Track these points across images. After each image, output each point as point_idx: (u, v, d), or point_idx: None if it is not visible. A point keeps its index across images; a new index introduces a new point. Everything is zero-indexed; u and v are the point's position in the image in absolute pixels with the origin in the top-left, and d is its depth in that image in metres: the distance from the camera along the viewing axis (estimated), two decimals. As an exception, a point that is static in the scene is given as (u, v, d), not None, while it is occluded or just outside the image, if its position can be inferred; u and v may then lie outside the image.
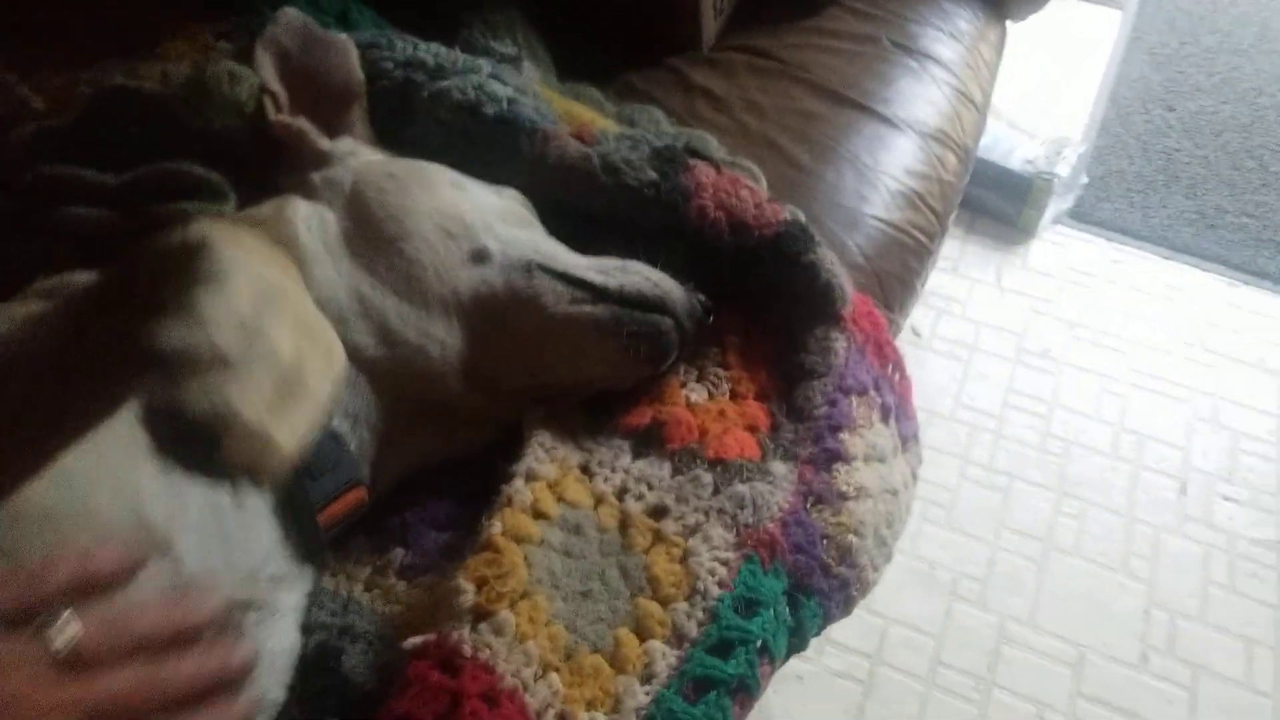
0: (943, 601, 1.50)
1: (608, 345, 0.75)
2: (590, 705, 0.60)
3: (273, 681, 0.58)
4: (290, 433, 0.37)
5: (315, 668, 0.60)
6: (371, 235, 0.72)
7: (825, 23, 1.25)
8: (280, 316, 0.38)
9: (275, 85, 0.76)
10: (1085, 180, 2.26)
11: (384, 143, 0.83)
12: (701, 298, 0.81)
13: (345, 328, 0.68)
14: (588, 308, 0.74)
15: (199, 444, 0.36)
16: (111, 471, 0.48)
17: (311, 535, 0.63)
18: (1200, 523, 1.65)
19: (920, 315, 1.95)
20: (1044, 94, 2.50)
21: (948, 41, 1.29)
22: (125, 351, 0.41)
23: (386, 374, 0.69)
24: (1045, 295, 2.05)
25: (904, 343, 1.83)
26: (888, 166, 1.09)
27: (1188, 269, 2.14)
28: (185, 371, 0.35)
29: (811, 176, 1.04)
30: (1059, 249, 2.16)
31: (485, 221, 0.75)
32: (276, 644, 0.59)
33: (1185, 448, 1.77)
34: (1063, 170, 2.14)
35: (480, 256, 0.73)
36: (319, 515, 0.63)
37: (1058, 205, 2.20)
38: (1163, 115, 2.54)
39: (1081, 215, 2.26)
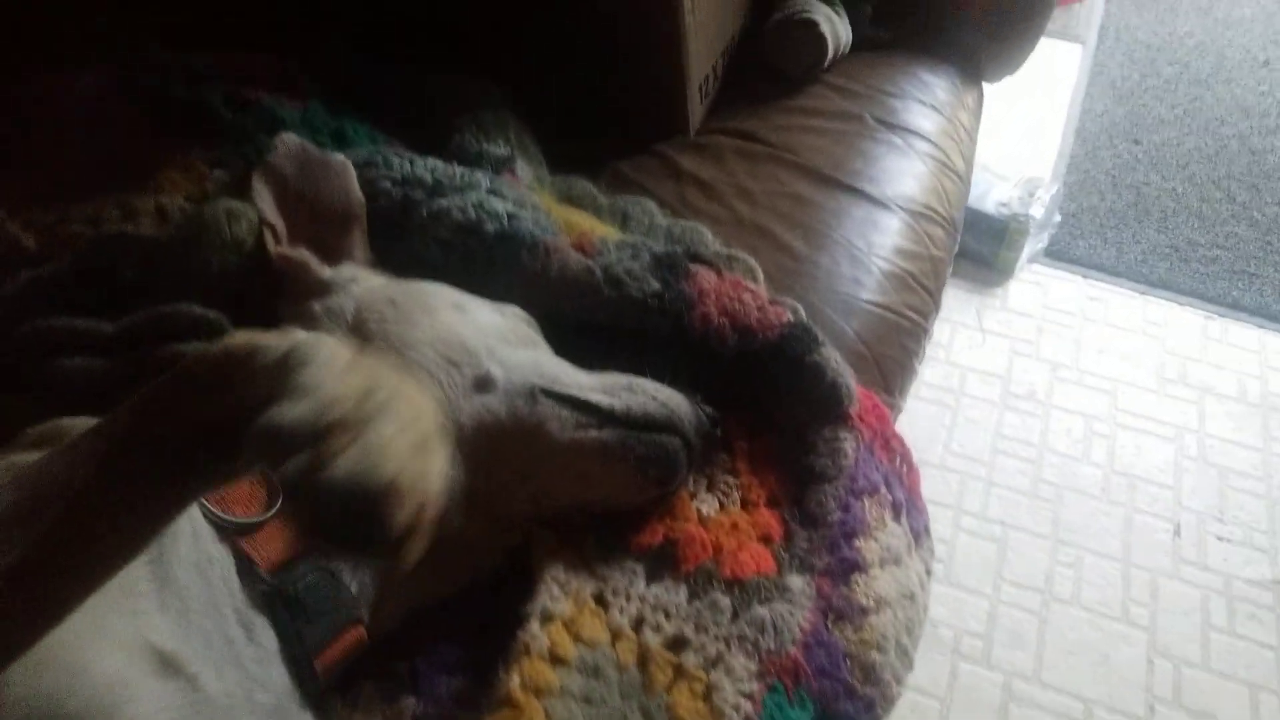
0: (947, 661, 1.50)
1: (615, 470, 0.73)
2: None
3: None
4: (437, 481, 0.37)
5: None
6: None
7: (808, 101, 1.26)
8: (380, 381, 0.37)
9: (274, 217, 0.75)
10: (1058, 219, 2.29)
11: (382, 261, 0.82)
12: (709, 410, 0.80)
13: None
14: (594, 432, 0.72)
15: (350, 524, 0.34)
16: (108, 616, 0.47)
17: (308, 679, 0.61)
18: (1196, 565, 1.66)
19: (906, 364, 1.96)
20: (1013, 133, 2.54)
21: (928, 113, 1.30)
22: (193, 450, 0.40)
23: None
24: (1026, 336, 2.06)
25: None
26: (879, 249, 1.09)
27: (1164, 304, 2.17)
28: (321, 445, 0.34)
29: (806, 264, 1.04)
30: (1037, 288, 2.19)
31: (488, 345, 0.74)
32: None
33: (1175, 487, 1.79)
34: (1036, 211, 2.17)
35: (483, 384, 0.72)
36: (316, 659, 0.61)
37: (1033, 245, 2.22)
38: (1129, 149, 2.58)
39: (1057, 254, 2.29)
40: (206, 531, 0.57)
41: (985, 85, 1.53)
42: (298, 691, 0.59)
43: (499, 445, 0.71)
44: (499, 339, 0.75)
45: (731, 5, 1.25)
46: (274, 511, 0.61)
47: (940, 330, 2.05)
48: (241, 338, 0.41)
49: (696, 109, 1.20)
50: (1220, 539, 1.71)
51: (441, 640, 0.68)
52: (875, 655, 0.75)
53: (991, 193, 2.20)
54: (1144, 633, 1.56)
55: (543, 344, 0.80)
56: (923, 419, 1.88)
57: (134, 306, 0.68)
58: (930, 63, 1.40)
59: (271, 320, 0.72)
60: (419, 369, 0.70)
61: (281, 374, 0.38)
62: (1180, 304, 2.16)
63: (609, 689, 0.65)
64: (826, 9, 1.30)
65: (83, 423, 0.60)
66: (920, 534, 0.90)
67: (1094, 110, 2.68)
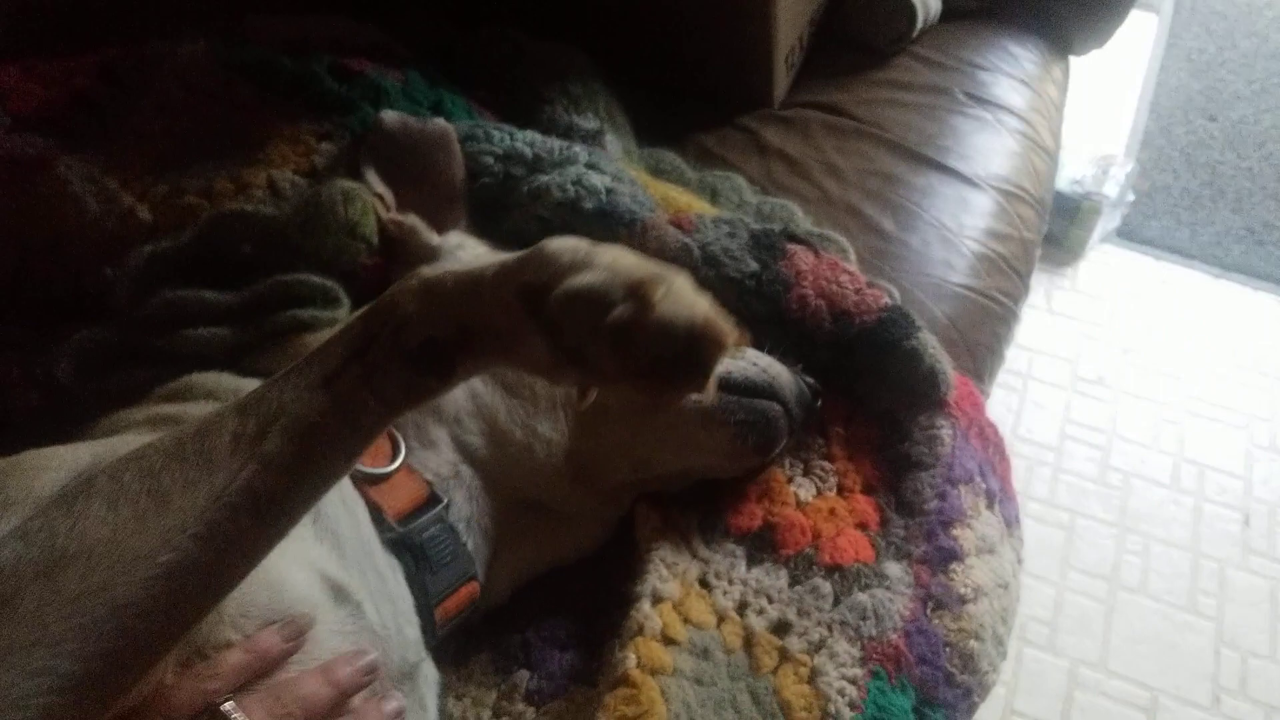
0: (1013, 647, 1.47)
1: (716, 435, 0.73)
2: None
3: None
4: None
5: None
6: None
7: (895, 74, 1.23)
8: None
9: (381, 188, 0.75)
10: (1132, 197, 2.23)
11: (484, 236, 0.82)
12: (810, 381, 0.79)
13: (458, 428, 0.68)
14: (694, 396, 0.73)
15: (676, 359, 0.39)
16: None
17: (429, 628, 0.62)
18: (1265, 556, 1.63)
19: (972, 344, 1.93)
20: (1085, 106, 2.46)
21: (1017, 87, 1.27)
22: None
23: (495, 475, 0.69)
24: (1096, 319, 2.02)
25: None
26: (970, 230, 1.07)
27: (1238, 287, 2.12)
28: (628, 297, 0.40)
29: (897, 244, 1.02)
30: (1107, 269, 2.14)
31: None
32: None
33: (1246, 477, 1.75)
34: (1110, 189, 2.12)
35: None
36: (436, 608, 0.63)
37: (1105, 224, 2.17)
38: (1205, 126, 2.50)
39: (1128, 234, 2.23)
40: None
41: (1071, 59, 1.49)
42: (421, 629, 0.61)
43: (600, 408, 0.71)
44: None
45: (819, -25, 1.22)
46: (400, 463, 0.62)
47: (1007, 310, 2.02)
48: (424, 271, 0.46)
49: (782, 80, 1.18)
50: (1292, 530, 1.67)
51: (550, 615, 0.69)
52: (973, 644, 0.74)
53: (1064, 169, 2.14)
54: (1211, 623, 1.54)
55: None
56: (992, 402, 1.84)
57: (251, 279, 0.68)
58: (1018, 34, 1.36)
59: (382, 289, 0.72)
60: None
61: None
62: (1255, 288, 2.11)
63: (718, 670, 0.65)
64: (915, -21, 1.27)
65: (213, 378, 0.61)
66: (1012, 523, 0.89)
67: (1168, 84, 2.60)
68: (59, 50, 0.82)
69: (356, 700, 0.50)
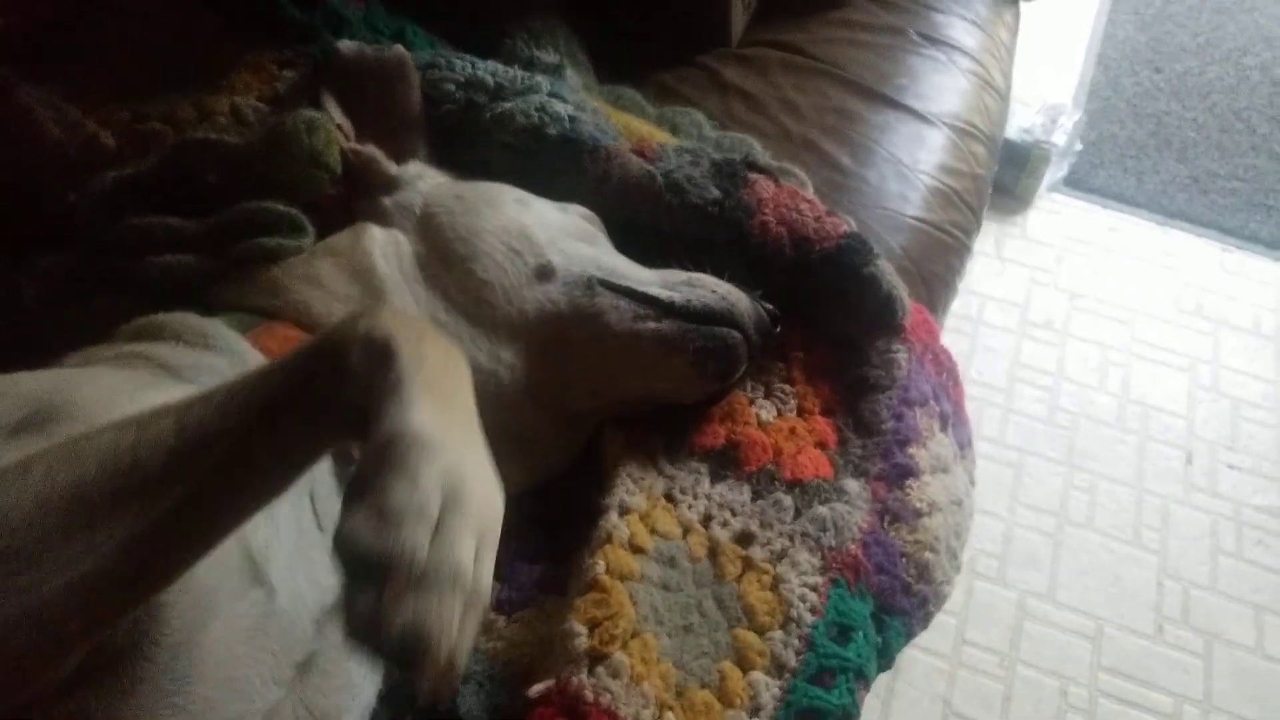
0: (963, 579, 1.53)
1: (674, 361, 0.75)
2: (707, 742, 0.61)
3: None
4: (469, 639, 0.38)
5: (431, 710, 0.61)
6: (443, 257, 0.72)
7: (851, 14, 1.25)
8: (465, 494, 0.39)
9: (340, 118, 0.75)
10: (1079, 147, 2.27)
11: (445, 165, 0.82)
12: (769, 307, 0.81)
13: None
14: (652, 324, 0.74)
15: (395, 656, 0.36)
16: None
17: None
18: (1206, 492, 1.69)
19: (926, 291, 1.97)
20: (1034, 58, 2.49)
21: (970, 29, 1.29)
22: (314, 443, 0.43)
23: None
24: (1044, 265, 2.07)
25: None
26: (925, 165, 1.09)
27: (1182, 235, 2.17)
28: (391, 586, 0.35)
29: (854, 179, 1.04)
30: (1056, 217, 2.18)
31: (549, 237, 0.75)
32: (320, 700, 0.57)
33: (1188, 417, 1.81)
34: (1059, 138, 2.15)
35: (544, 273, 0.73)
36: None
37: (1054, 173, 2.21)
38: (1151, 77, 2.55)
39: (1076, 182, 2.27)
40: None
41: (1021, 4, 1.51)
42: None
43: (560, 334, 0.73)
44: (560, 232, 0.76)
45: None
46: None
47: (959, 257, 2.06)
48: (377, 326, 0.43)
49: (739, 19, 1.19)
50: (1231, 467, 1.74)
51: (517, 532, 0.70)
52: (929, 555, 0.77)
53: (1014, 118, 2.17)
54: (1155, 556, 1.60)
55: (604, 241, 0.80)
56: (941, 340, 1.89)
57: (216, 207, 0.68)
58: (969, -23, 1.38)
59: (344, 218, 0.72)
60: (485, 257, 0.71)
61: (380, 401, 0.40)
62: (1198, 235, 2.16)
63: (684, 577, 0.68)
64: (869, -79, 1.28)
65: (179, 318, 0.61)
66: (965, 445, 0.92)
67: (1116, 37, 2.64)
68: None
69: None
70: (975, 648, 1.46)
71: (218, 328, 0.60)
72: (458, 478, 0.39)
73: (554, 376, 0.73)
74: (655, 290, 0.75)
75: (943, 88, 1.18)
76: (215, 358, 0.58)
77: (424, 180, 0.77)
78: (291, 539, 0.56)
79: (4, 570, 0.37)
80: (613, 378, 0.75)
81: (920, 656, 1.43)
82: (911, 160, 1.08)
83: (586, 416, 0.77)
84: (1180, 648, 1.49)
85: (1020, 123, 2.18)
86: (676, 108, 1.05)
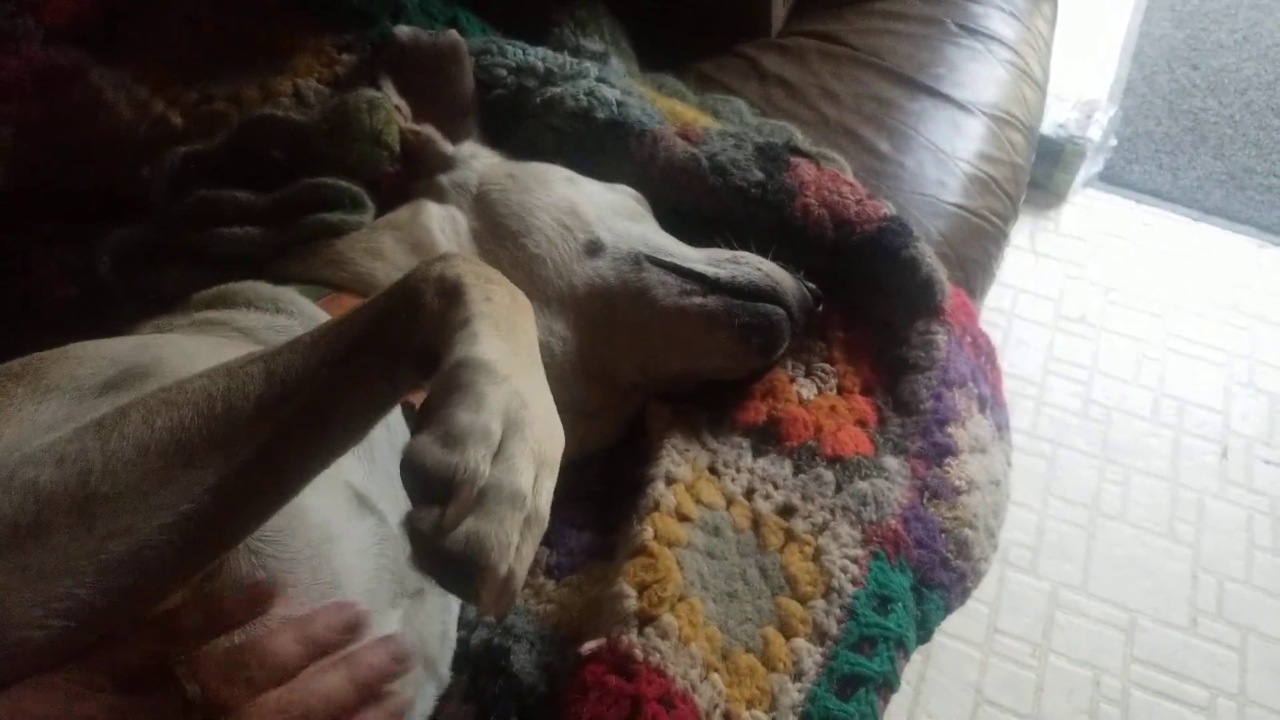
0: (996, 569, 1.54)
1: (720, 336, 0.76)
2: (750, 704, 0.63)
3: (435, 660, 0.61)
4: (526, 563, 0.40)
5: (485, 666, 0.63)
6: (497, 232, 0.75)
7: (890, 5, 1.26)
8: (526, 421, 0.41)
9: (398, 99, 0.77)
10: (1114, 142, 2.27)
11: (496, 147, 0.84)
12: (812, 286, 0.83)
13: None
14: (698, 299, 0.76)
15: (453, 578, 0.38)
16: None
17: None
18: (1241, 487, 1.69)
19: (959, 284, 1.97)
20: (1070, 54, 2.49)
21: (1008, 20, 1.30)
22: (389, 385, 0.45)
23: None
24: (1079, 259, 2.06)
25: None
26: (963, 152, 1.10)
27: (1218, 230, 2.16)
28: (447, 508, 0.37)
29: (892, 165, 1.06)
30: (1090, 212, 2.18)
31: (598, 214, 0.77)
32: (429, 628, 0.61)
33: (1224, 411, 1.81)
34: (1094, 134, 2.15)
35: (594, 248, 0.76)
36: None
37: (1088, 168, 2.21)
38: (1187, 74, 2.53)
39: (1111, 177, 2.27)
40: None
41: (1060, -2, 1.51)
42: None
43: (609, 308, 0.75)
44: (609, 210, 0.79)
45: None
46: None
47: (993, 251, 2.06)
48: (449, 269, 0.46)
49: (779, 9, 1.20)
50: (1267, 462, 1.73)
51: (566, 501, 0.72)
52: (968, 532, 0.78)
53: (1049, 114, 2.17)
54: (1189, 549, 1.60)
55: (650, 219, 0.82)
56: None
57: (281, 182, 0.71)
58: (1008, -31, 1.39)
59: (401, 196, 0.75)
60: (537, 232, 0.74)
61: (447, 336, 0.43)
62: (1234, 231, 2.15)
63: (728, 546, 0.69)
64: (909, -87, 1.29)
65: (250, 285, 0.64)
66: (1002, 428, 0.93)
67: (1152, 34, 2.63)
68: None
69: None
70: (1007, 636, 1.47)
71: (290, 294, 0.63)
72: (520, 404, 0.41)
73: (603, 350, 0.75)
74: (701, 267, 0.77)
75: (981, 77, 1.19)
76: (286, 320, 0.61)
77: (478, 159, 0.79)
78: (389, 465, 0.58)
79: (107, 512, 0.39)
80: (659, 352, 0.77)
81: (951, 644, 1.44)
82: (950, 147, 1.09)
83: (634, 391, 0.79)
84: (1215, 640, 1.48)
85: (1055, 117, 2.18)
86: (717, 95, 1.06)
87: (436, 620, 0.61)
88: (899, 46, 1.19)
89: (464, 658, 0.64)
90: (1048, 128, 2.16)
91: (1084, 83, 2.39)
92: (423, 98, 0.80)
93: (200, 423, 0.41)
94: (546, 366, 0.72)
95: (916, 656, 1.39)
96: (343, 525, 0.52)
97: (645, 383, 0.79)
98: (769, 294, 0.78)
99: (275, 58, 0.79)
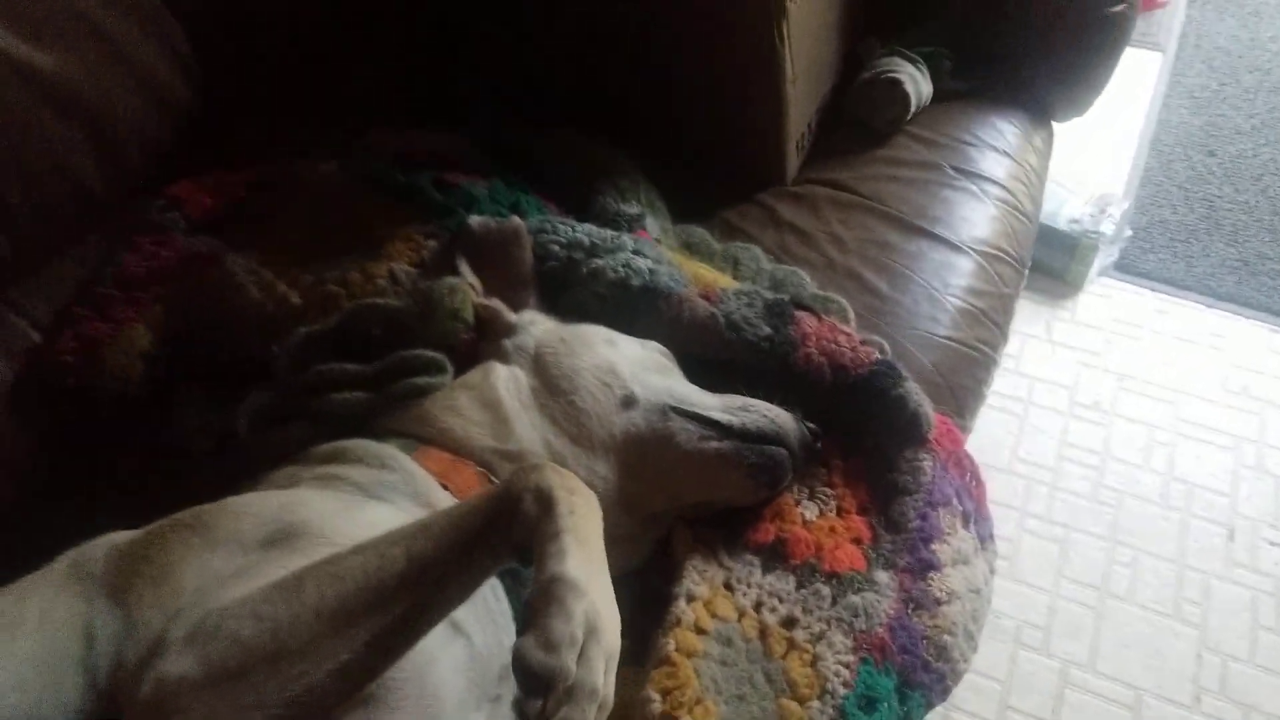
0: (1007, 649, 1.66)
1: (732, 474, 0.92)
2: (756, 793, 0.77)
3: None
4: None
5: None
6: (551, 390, 0.91)
7: (893, 151, 1.43)
8: (603, 630, 0.58)
9: (472, 278, 0.96)
10: (1129, 233, 2.39)
11: (552, 308, 1.02)
12: (811, 426, 0.98)
13: None
14: (714, 444, 0.91)
15: None
16: None
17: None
18: (1247, 568, 1.79)
19: (977, 374, 2.10)
20: (1088, 143, 2.61)
21: (1000, 159, 1.46)
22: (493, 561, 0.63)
23: None
24: (1094, 348, 2.18)
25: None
26: (954, 288, 1.26)
27: (1230, 317, 2.26)
28: (545, 692, 0.54)
29: (890, 304, 1.22)
30: (1105, 301, 2.30)
31: (632, 371, 0.94)
32: None
33: (1231, 494, 1.91)
34: (1107, 227, 2.27)
35: (629, 402, 0.92)
36: None
37: (1103, 259, 2.33)
38: (1204, 161, 2.64)
39: (1126, 267, 2.39)
40: None
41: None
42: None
43: (642, 452, 0.91)
44: (641, 366, 0.95)
45: (824, 69, 1.42)
46: None
47: (1011, 343, 2.18)
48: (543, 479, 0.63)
49: (793, 161, 1.38)
50: (1273, 544, 1.83)
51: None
52: (947, 638, 0.93)
53: (1064, 209, 2.31)
54: (1195, 629, 1.70)
55: (676, 371, 0.99)
56: (993, 426, 2.02)
57: (379, 354, 0.89)
58: (1003, 109, 1.55)
59: (475, 358, 0.93)
60: (583, 390, 0.90)
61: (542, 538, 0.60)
62: (1246, 317, 2.25)
63: (738, 655, 0.85)
64: (910, 67, 1.46)
65: (359, 444, 0.81)
66: (985, 539, 1.08)
67: (1170, 121, 2.74)
68: (223, 166, 1.04)
69: None
70: (1018, 713, 1.58)
71: (390, 450, 0.81)
72: (595, 613, 0.58)
73: (638, 486, 0.90)
74: (717, 415, 0.93)
75: (972, 217, 1.35)
76: (391, 475, 0.78)
77: (536, 326, 0.97)
78: (480, 607, 0.74)
79: (291, 660, 0.56)
80: (683, 487, 0.92)
81: (966, 721, 1.57)
82: (942, 284, 1.25)
83: (662, 517, 0.95)
84: (1217, 718, 1.58)
85: (1070, 213, 2.30)
86: (738, 244, 1.24)
87: (510, 718, 0.77)
88: (900, 191, 1.36)
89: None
90: (1062, 223, 2.29)
91: (1101, 172, 2.52)
92: (492, 273, 0.99)
93: (359, 594, 0.58)
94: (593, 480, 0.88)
95: (932, 732, 1.52)
96: (441, 649, 0.68)
97: (671, 509, 0.95)
98: (774, 438, 0.93)
99: (373, 245, 0.97)
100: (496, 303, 0.96)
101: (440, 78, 1.30)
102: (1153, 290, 2.34)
